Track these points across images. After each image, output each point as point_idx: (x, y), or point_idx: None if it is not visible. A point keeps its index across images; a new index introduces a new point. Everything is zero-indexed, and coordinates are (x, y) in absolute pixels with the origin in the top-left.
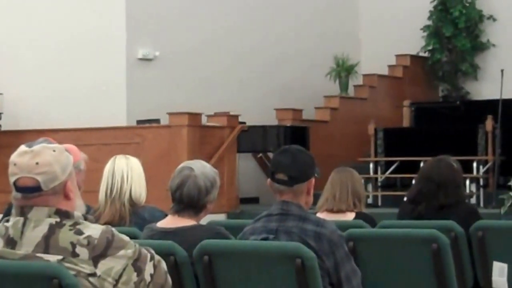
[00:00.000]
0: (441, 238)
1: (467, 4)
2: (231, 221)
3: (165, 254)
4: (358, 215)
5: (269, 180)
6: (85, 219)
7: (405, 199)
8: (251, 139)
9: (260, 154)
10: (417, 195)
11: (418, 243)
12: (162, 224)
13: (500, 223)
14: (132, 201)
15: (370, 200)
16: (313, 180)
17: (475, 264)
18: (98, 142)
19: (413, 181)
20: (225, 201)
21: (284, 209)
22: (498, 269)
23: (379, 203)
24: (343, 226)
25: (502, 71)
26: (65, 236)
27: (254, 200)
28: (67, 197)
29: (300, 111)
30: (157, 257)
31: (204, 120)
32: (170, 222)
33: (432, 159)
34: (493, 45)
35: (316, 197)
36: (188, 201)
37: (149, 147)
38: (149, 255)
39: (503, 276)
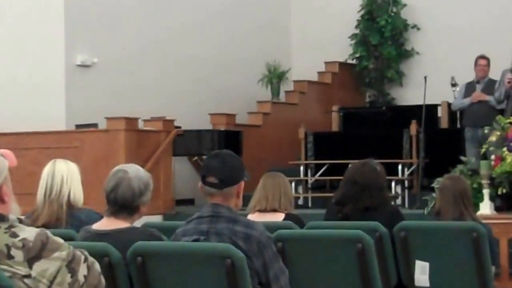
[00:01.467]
0: (366, 239)
1: (393, 14)
2: (166, 222)
3: (99, 256)
4: (288, 216)
5: (200, 183)
6: (20, 222)
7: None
8: (187, 143)
9: (195, 158)
10: (343, 197)
11: (343, 243)
12: (97, 226)
13: (422, 223)
14: (70, 204)
15: (300, 202)
16: (242, 183)
17: (398, 263)
18: (38, 146)
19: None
20: (161, 203)
21: (215, 211)
22: (420, 267)
23: (309, 205)
24: (273, 227)
25: (425, 77)
26: (0, 238)
27: (190, 202)
28: (2, 200)
29: (234, 116)
30: (90, 258)
31: (140, 125)
32: (105, 224)
33: (357, 163)
34: (417, 53)
35: (245, 199)
36: (123, 203)
37: (88, 151)
38: (83, 257)
39: (425, 274)
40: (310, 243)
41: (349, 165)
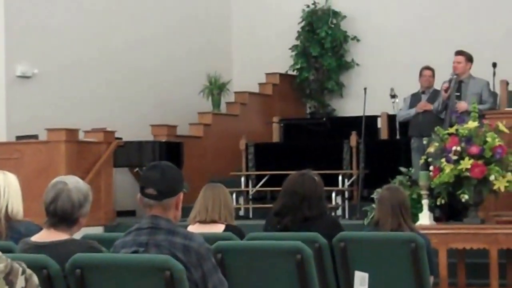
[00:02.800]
0: (305, 250)
1: (333, 26)
2: (107, 234)
3: (38, 268)
4: (228, 228)
5: (139, 194)
6: None
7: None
8: (128, 154)
9: (137, 169)
10: (282, 208)
11: (283, 254)
12: (37, 238)
13: (361, 234)
14: (8, 216)
15: (241, 213)
16: (181, 195)
17: (338, 273)
18: None
19: None
20: (102, 214)
21: (154, 223)
22: (360, 278)
23: (250, 215)
24: (212, 238)
25: (365, 89)
26: None
27: (131, 213)
28: None
29: (175, 127)
30: (28, 271)
31: (81, 136)
32: (44, 236)
33: (295, 174)
34: (357, 64)
35: (184, 210)
36: (62, 214)
37: (28, 162)
38: (20, 269)
39: (364, 285)
40: (249, 255)
41: (288, 176)
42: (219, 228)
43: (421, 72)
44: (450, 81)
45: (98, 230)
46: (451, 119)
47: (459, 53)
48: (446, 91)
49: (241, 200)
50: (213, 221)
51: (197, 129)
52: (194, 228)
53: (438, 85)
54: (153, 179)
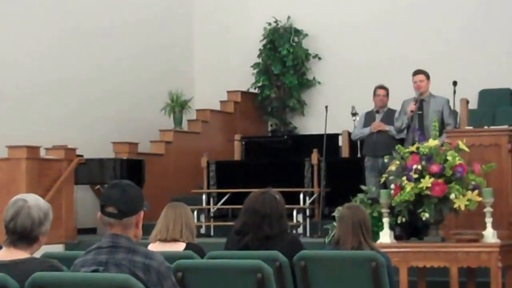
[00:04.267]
0: (265, 268)
1: (294, 44)
2: (68, 252)
3: None
4: (188, 246)
5: (99, 213)
6: None
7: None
8: (89, 171)
9: (98, 186)
10: (243, 226)
11: (243, 273)
12: None
13: (321, 253)
14: None
15: (203, 230)
16: (142, 213)
17: None
18: None
19: None
20: (63, 232)
21: (114, 241)
22: None
23: (212, 233)
24: (173, 257)
25: (326, 107)
26: None
27: (92, 231)
28: None
29: (136, 144)
30: None
31: (42, 153)
32: (4, 254)
33: (256, 192)
34: (319, 82)
35: (145, 228)
36: (22, 232)
37: None
38: None
39: None
40: (210, 273)
41: (249, 194)
42: (180, 247)
43: (375, 91)
44: (416, 101)
45: (59, 248)
46: (414, 137)
47: (419, 72)
48: (412, 111)
49: (203, 218)
50: (174, 240)
51: (159, 146)
52: (155, 247)
53: (393, 103)
54: (114, 197)
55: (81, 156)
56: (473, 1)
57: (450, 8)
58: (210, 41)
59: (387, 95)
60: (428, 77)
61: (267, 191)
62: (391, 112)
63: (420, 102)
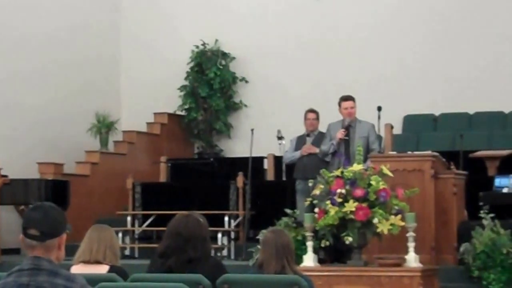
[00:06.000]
0: None
1: (221, 67)
2: None
3: None
4: (112, 269)
5: (21, 235)
6: None
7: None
8: (13, 191)
9: (22, 207)
10: (166, 249)
11: None
12: None
13: (244, 276)
14: None
15: (127, 252)
16: (64, 235)
17: None
18: None
19: None
20: None
21: (36, 264)
22: None
23: (136, 255)
24: (96, 279)
25: (252, 130)
26: None
27: (15, 251)
28: None
29: (62, 165)
30: None
31: None
32: None
33: (180, 215)
34: (245, 105)
35: (69, 249)
36: None
37: None
38: None
39: None
40: None
41: (173, 217)
42: (103, 269)
43: (306, 115)
44: (345, 127)
45: None
46: (339, 162)
47: (349, 98)
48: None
49: (127, 239)
50: (97, 262)
51: (84, 167)
52: (77, 268)
53: (323, 127)
54: (36, 220)
55: (6, 176)
56: (397, 27)
57: (375, 34)
58: (138, 63)
59: (318, 118)
60: (355, 102)
61: (190, 214)
62: (322, 135)
63: (347, 128)
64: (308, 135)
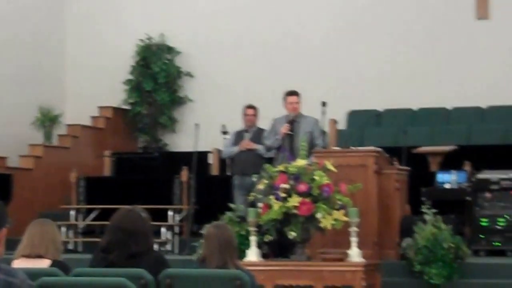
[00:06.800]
0: (129, 286)
1: (167, 61)
2: None
3: None
4: (54, 263)
5: None
6: None
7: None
8: None
9: None
10: (108, 243)
11: None
12: None
13: (186, 271)
14: None
15: (71, 246)
16: (4, 230)
17: None
18: None
19: None
20: None
21: None
22: None
23: (80, 249)
24: (37, 273)
25: (197, 125)
26: None
27: None
28: None
29: (5, 158)
30: None
31: None
32: None
33: (122, 209)
34: (190, 100)
35: (11, 243)
36: None
37: None
38: None
39: None
40: None
41: (116, 212)
42: (44, 263)
43: (244, 110)
44: (289, 122)
45: None
46: (283, 157)
47: (294, 93)
48: (284, 133)
49: (71, 233)
50: (39, 256)
51: (28, 161)
52: (19, 263)
53: (263, 123)
54: None
55: None
56: (341, 23)
57: (318, 28)
58: (82, 56)
59: (256, 114)
60: (300, 97)
61: (133, 208)
62: (260, 131)
63: (291, 123)
64: (246, 130)
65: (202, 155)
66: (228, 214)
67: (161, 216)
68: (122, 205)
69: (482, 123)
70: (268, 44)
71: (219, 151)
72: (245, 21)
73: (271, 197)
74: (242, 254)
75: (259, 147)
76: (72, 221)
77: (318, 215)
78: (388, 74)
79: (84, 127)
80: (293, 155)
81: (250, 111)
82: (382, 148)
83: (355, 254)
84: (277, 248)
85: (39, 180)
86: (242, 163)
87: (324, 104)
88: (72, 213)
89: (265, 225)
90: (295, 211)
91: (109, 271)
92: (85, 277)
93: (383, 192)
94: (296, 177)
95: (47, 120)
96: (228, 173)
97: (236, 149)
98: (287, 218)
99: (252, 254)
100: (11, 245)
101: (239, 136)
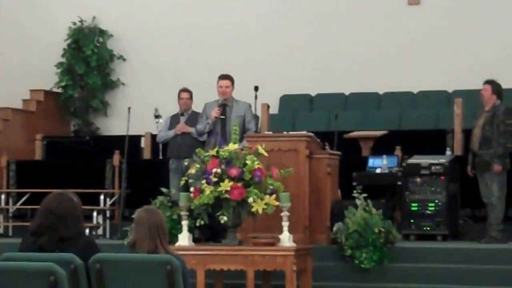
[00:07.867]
0: (58, 271)
1: (99, 44)
2: None
3: None
4: None
5: None
6: None
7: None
8: None
9: None
10: (38, 227)
11: (36, 275)
12: None
13: (117, 256)
14: None
15: (1, 230)
16: None
17: None
18: None
19: None
20: None
21: None
22: None
23: (10, 234)
24: None
25: (129, 108)
26: None
27: None
28: None
29: None
30: None
31: None
32: None
33: (53, 193)
34: (123, 83)
35: None
36: None
37: None
38: None
39: None
40: (2, 275)
41: (46, 196)
42: None
43: (179, 94)
44: (220, 106)
45: None
46: (215, 141)
47: (226, 77)
48: (216, 117)
49: (1, 218)
50: None
51: None
52: None
53: (197, 106)
54: None
55: None
56: (275, 6)
57: (252, 12)
58: (12, 38)
59: (191, 98)
60: (233, 82)
61: (63, 192)
62: (196, 114)
63: (223, 107)
64: (182, 114)
65: (135, 139)
66: (160, 198)
67: (92, 200)
68: (53, 189)
69: (413, 108)
70: (201, 28)
71: (151, 135)
72: (179, 4)
73: (203, 181)
74: (174, 239)
75: (193, 130)
76: (3, 205)
77: (250, 200)
78: (320, 59)
79: (15, 110)
80: (225, 140)
81: (185, 95)
82: (314, 133)
83: (286, 238)
84: (209, 232)
85: None
86: (178, 147)
87: (256, 88)
88: (3, 197)
89: (196, 209)
90: (226, 196)
91: (39, 256)
92: (13, 262)
93: (315, 177)
94: (228, 161)
95: None
96: (161, 157)
97: (171, 133)
98: (219, 202)
99: (184, 239)
100: None
101: (174, 120)
